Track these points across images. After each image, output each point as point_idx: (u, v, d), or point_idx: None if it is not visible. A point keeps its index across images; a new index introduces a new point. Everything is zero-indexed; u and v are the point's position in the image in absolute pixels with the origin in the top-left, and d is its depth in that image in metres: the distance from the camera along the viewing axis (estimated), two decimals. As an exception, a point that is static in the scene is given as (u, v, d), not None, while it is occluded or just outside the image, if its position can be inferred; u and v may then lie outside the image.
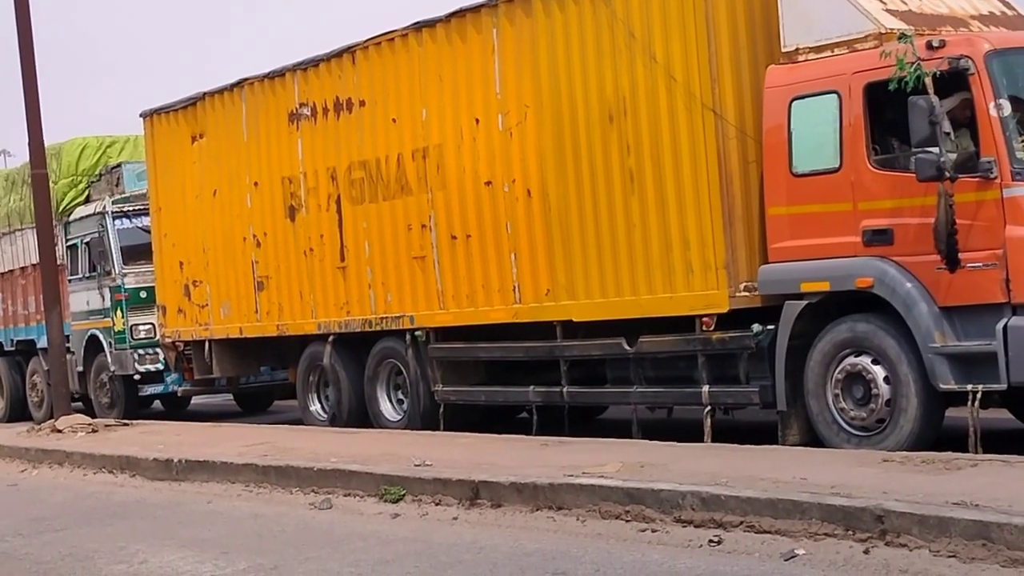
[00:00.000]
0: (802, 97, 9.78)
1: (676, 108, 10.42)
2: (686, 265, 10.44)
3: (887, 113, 9.34)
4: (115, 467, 12.94)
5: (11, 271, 20.41)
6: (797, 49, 9.94)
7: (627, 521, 8.04)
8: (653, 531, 7.79)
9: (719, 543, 7.34)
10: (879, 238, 9.33)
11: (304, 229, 14.13)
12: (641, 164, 10.72)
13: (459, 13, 12.21)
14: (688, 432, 10.49)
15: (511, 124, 11.77)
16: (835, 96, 9.57)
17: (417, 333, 12.88)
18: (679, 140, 10.42)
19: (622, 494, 8.17)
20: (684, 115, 10.36)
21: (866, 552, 6.78)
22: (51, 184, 17.72)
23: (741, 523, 7.46)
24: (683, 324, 10.55)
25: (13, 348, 20.54)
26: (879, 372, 9.36)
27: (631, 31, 10.68)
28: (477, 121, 12.09)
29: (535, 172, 11.60)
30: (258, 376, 17.07)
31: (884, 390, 9.34)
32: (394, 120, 12.96)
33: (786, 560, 6.87)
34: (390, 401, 13.61)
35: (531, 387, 12.02)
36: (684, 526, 7.72)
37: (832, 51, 9.75)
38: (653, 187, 10.64)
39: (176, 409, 19.66)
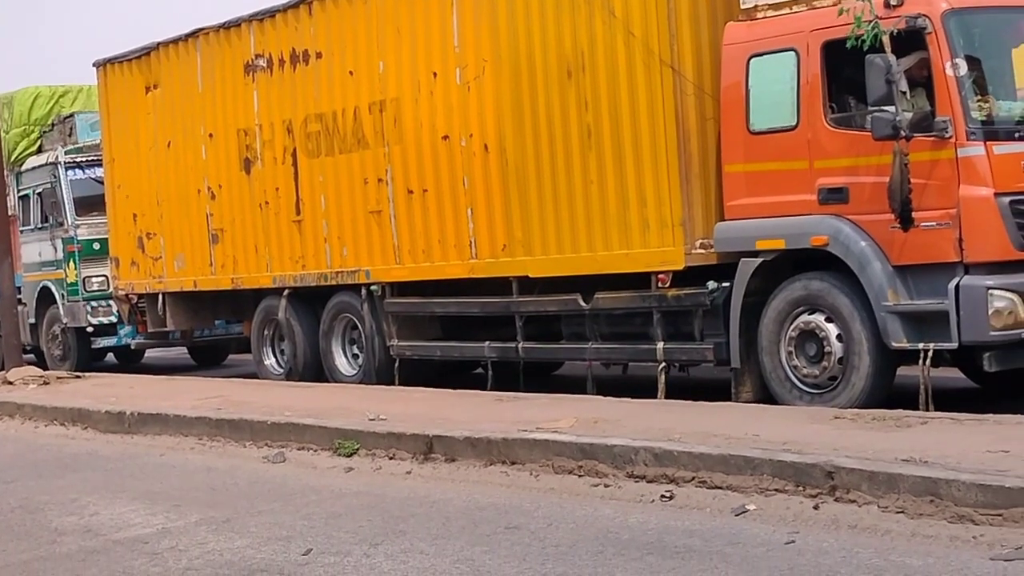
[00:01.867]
0: (760, 55, 9.77)
1: (634, 64, 10.39)
2: (643, 222, 10.44)
3: (844, 71, 9.34)
4: (67, 419, 12.85)
5: (-38, 221, 20.14)
6: (756, 6, 9.91)
7: (580, 476, 8.07)
8: (606, 486, 7.82)
9: (671, 498, 7.38)
10: (834, 196, 9.37)
11: (259, 182, 14.02)
12: (599, 120, 10.69)
13: (418, -35, 12.10)
14: (643, 389, 10.53)
15: (469, 78, 11.69)
16: (793, 54, 9.57)
17: (373, 288, 12.84)
18: (637, 97, 10.40)
19: (575, 449, 8.20)
20: (642, 72, 10.33)
21: (816, 508, 6.84)
22: (3, 134, 17.51)
23: (693, 479, 7.51)
24: (639, 281, 10.56)
25: (-36, 299, 20.31)
26: (832, 330, 9.42)
27: (590, -14, 10.62)
28: (435, 75, 12.00)
29: (493, 127, 11.55)
30: (213, 329, 16.95)
31: (837, 348, 9.40)
32: (351, 73, 12.86)
33: (737, 515, 6.92)
34: (345, 356, 13.57)
35: (487, 343, 12.02)
36: (636, 481, 7.76)
37: (791, 8, 9.73)
38: (611, 144, 10.62)
39: (129, 362, 19.53)
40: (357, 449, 9.58)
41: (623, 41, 10.43)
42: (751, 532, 6.55)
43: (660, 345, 10.46)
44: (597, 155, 10.73)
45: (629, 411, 9.49)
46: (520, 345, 11.65)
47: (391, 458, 9.29)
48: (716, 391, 10.13)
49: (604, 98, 10.63)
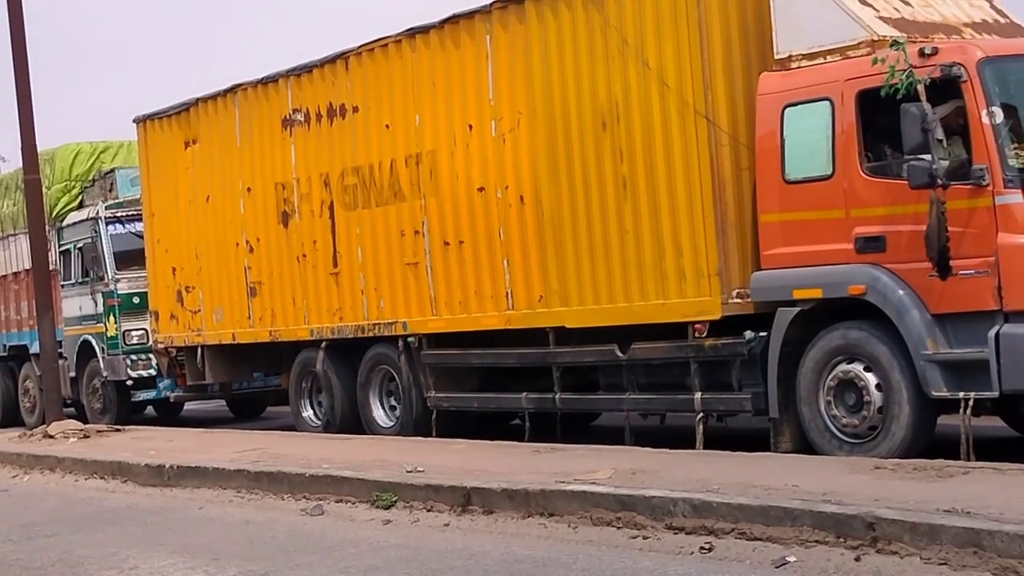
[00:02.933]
0: (795, 104, 9.78)
1: (669, 114, 10.43)
2: (679, 272, 10.44)
3: (880, 120, 9.34)
4: (107, 473, 12.91)
5: (4, 276, 20.36)
6: (790, 56, 9.94)
7: (618, 528, 8.03)
8: (644, 538, 7.78)
9: (710, 550, 7.33)
10: (871, 245, 9.33)
11: (297, 235, 14.11)
12: (634, 170, 10.72)
13: (453, 19, 12.21)
14: (680, 439, 10.48)
15: (504, 130, 11.76)
16: (827, 103, 9.57)
17: (410, 339, 12.87)
18: (672, 147, 10.43)
19: (613, 501, 8.16)
20: (677, 122, 10.37)
21: (857, 559, 6.77)
22: (44, 189, 17.69)
23: (732, 530, 7.45)
24: (676, 331, 10.54)
25: (5, 353, 20.49)
26: (871, 379, 9.36)
27: (624, 37, 10.69)
28: (470, 127, 12.08)
29: (528, 178, 11.60)
30: (251, 382, 17.03)
31: (876, 397, 9.34)
32: (387, 126, 12.96)
33: (777, 567, 6.86)
34: (383, 407, 13.59)
35: (524, 394, 12.02)
36: (675, 533, 7.71)
37: (825, 58, 9.76)
38: (646, 194, 10.65)
39: (169, 415, 19.61)
40: (395, 501, 9.58)
41: (657, 92, 10.47)
42: (792, 584, 6.50)
43: (698, 395, 10.42)
44: (633, 205, 10.75)
45: (667, 462, 9.44)
46: (557, 396, 11.63)
47: (429, 510, 9.27)
48: (754, 441, 10.07)
49: (639, 148, 10.67)
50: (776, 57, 10.02)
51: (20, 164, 17.85)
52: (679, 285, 10.46)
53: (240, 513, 10.25)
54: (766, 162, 9.96)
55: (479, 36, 11.96)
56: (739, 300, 10.12)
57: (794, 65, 9.91)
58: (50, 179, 18.32)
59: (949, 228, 8.76)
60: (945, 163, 8.78)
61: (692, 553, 7.35)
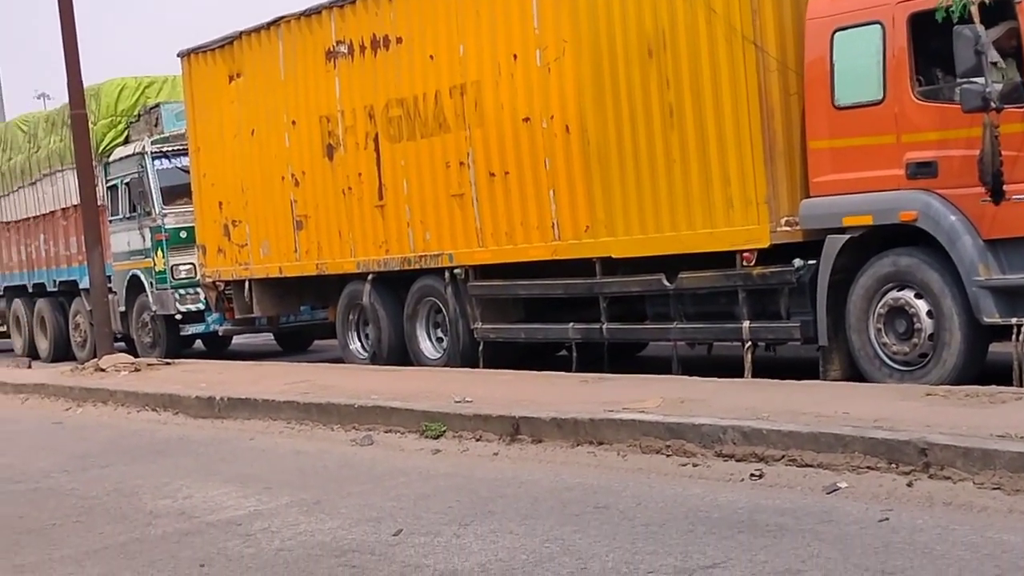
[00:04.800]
0: (845, 28, 9.64)
1: (716, 41, 10.30)
2: (726, 200, 10.36)
3: (931, 43, 9.19)
4: (158, 405, 13.06)
5: (52, 212, 20.52)
6: (840, -21, 9.78)
7: (668, 456, 8.04)
8: (694, 465, 7.79)
9: (760, 477, 7.33)
10: (923, 171, 9.22)
11: (342, 168, 14.11)
12: (681, 99, 10.62)
13: (497, -53, 12.09)
14: (728, 368, 10.46)
15: (549, 59, 11.67)
16: (878, 27, 9.42)
17: (456, 271, 12.88)
18: (719, 74, 10.31)
19: (663, 429, 8.17)
20: (724, 48, 10.24)
21: (909, 485, 6.75)
22: (90, 125, 17.74)
23: (783, 457, 7.45)
24: (723, 260, 10.49)
25: (56, 289, 20.70)
26: (922, 306, 9.29)
27: (670, -37, 10.54)
28: (515, 57, 12.00)
29: (573, 108, 11.51)
30: (298, 315, 17.11)
31: (927, 324, 9.27)
32: (432, 57, 12.89)
33: (828, 493, 6.85)
34: (429, 339, 13.64)
35: (570, 324, 12.02)
36: (725, 460, 7.72)
37: (876, -19, 9.58)
38: (693, 122, 10.55)
39: (217, 348, 19.78)
40: (444, 431, 9.63)
41: (704, 18, 10.34)
42: (843, 510, 6.49)
43: (746, 324, 10.38)
44: (679, 134, 10.66)
45: (715, 390, 9.43)
46: (604, 326, 11.62)
47: (478, 440, 9.32)
48: (803, 370, 10.03)
49: (686, 76, 10.56)
50: (825, -20, 9.85)
51: (65, 101, 17.92)
52: (727, 214, 10.39)
53: (290, 444, 10.34)
54: (815, 88, 9.83)
55: (523, -36, 11.83)
56: (788, 228, 10.05)
57: (844, -12, 9.74)
58: (96, 115, 18.35)
59: (1002, 152, 8.64)
60: (999, 86, 8.65)
61: (742, 480, 7.35)
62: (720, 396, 9.07)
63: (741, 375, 10.28)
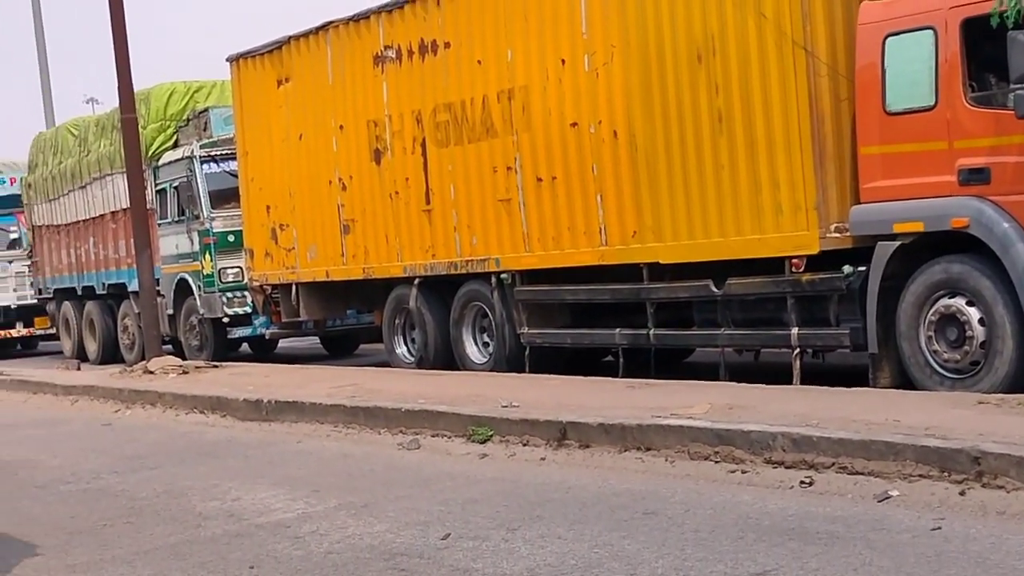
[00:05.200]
0: (896, 33, 9.57)
1: (766, 46, 10.26)
2: (776, 206, 10.31)
3: (985, 49, 9.10)
4: (206, 407, 13.14)
5: (102, 216, 20.72)
6: (892, -16, 9.71)
7: (716, 462, 8.01)
8: (743, 472, 7.75)
9: (811, 484, 7.28)
10: (975, 177, 9.13)
11: (389, 172, 14.15)
12: (730, 104, 10.58)
13: (545, -48, 12.09)
14: (775, 375, 10.40)
15: (597, 64, 11.66)
16: (931, 32, 9.35)
17: (503, 276, 12.89)
18: (769, 79, 10.27)
19: (711, 435, 8.13)
20: (774, 53, 10.20)
21: (962, 494, 6.69)
22: (140, 129, 17.89)
23: (833, 464, 7.39)
24: (772, 266, 10.44)
25: (105, 291, 20.89)
26: (974, 314, 9.20)
27: (720, -32, 10.51)
28: (563, 62, 11.99)
29: (621, 113, 11.50)
30: (344, 319, 17.19)
31: (979, 332, 9.18)
32: (479, 62, 12.91)
33: (880, 501, 6.80)
34: (476, 343, 13.65)
35: (617, 329, 11.99)
36: (774, 467, 7.67)
37: (928, -14, 9.51)
38: (742, 127, 10.51)
39: (263, 352, 19.90)
40: (491, 435, 9.63)
41: (754, 23, 10.30)
42: (895, 518, 6.43)
43: (794, 331, 10.32)
44: (728, 139, 10.62)
45: (764, 397, 9.38)
46: (651, 332, 11.59)
47: (525, 444, 9.32)
48: (852, 377, 9.96)
49: (735, 81, 10.52)
50: (877, -15, 9.79)
51: (114, 105, 18.08)
52: (775, 219, 10.34)
53: (337, 447, 10.38)
54: (866, 93, 9.77)
55: (572, -31, 11.83)
56: (837, 234, 9.98)
57: (896, -7, 9.68)
58: (145, 119, 18.52)
59: (1057, 159, 8.54)
60: (1054, 92, 8.54)
61: (792, 487, 7.31)
62: (769, 402, 9.02)
63: (789, 382, 10.22)
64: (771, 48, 10.22)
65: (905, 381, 9.63)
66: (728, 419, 8.40)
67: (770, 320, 10.66)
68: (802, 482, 7.33)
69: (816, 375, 10.31)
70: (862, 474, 7.22)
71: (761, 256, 10.47)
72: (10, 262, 24.97)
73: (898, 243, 9.57)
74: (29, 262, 23.96)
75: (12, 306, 24.94)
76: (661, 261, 11.33)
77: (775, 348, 10.98)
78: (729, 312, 11.00)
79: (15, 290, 24.90)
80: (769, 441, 7.77)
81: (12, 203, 24.76)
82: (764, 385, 9.96)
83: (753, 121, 10.42)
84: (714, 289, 10.91)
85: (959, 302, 9.28)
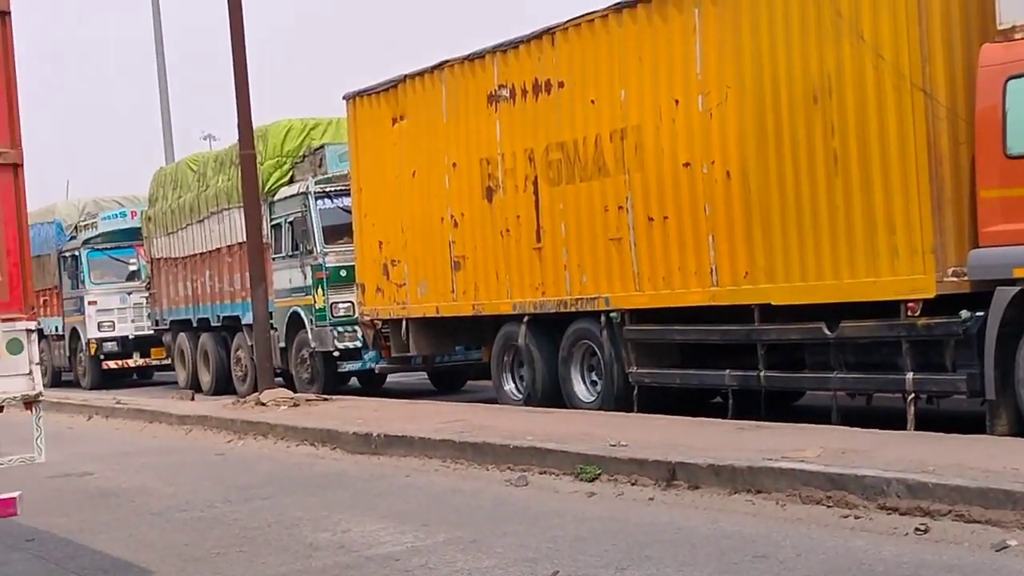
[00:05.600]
0: (1018, 76, 9.42)
1: (884, 88, 10.17)
2: (891, 249, 10.19)
3: (1110, 92, 8.93)
4: (316, 440, 13.31)
5: (218, 249, 21.10)
6: (1014, 27, 9.57)
7: (828, 507, 7.92)
8: (856, 518, 7.64)
9: (926, 531, 7.16)
10: (1099, 222, 8.94)
11: (501, 210, 14.26)
12: (846, 145, 10.50)
13: (661, -7, 12.14)
14: (888, 420, 10.25)
15: (711, 105, 11.65)
16: (1054, 75, 9.20)
17: (612, 315, 12.89)
18: (886, 121, 10.17)
19: (824, 479, 8.04)
20: (892, 95, 10.11)
21: (1084, 546, 6.53)
22: (257, 165, 18.23)
23: (949, 512, 7.27)
24: (885, 309, 10.30)
25: (219, 324, 21.27)
26: (1096, 362, 8.99)
27: (838, 10, 10.46)
28: (677, 102, 12.01)
29: (735, 153, 11.47)
30: (453, 355, 17.29)
31: (1101, 381, 8.96)
32: (593, 101, 12.97)
33: (998, 551, 6.66)
34: (584, 382, 13.65)
35: (727, 371, 11.91)
36: (888, 513, 7.56)
37: (1051, 28, 9.37)
38: (858, 169, 10.42)
39: (372, 386, 20.06)
40: (599, 474, 9.62)
41: (872, 64, 10.23)
42: (1014, 568, 6.30)
43: (909, 376, 10.16)
44: (844, 181, 10.54)
45: (878, 442, 9.25)
46: (762, 374, 11.49)
47: (633, 484, 9.29)
48: (967, 424, 9.77)
49: (851, 123, 10.44)
50: (998, 28, 9.66)
51: (233, 142, 18.45)
52: (891, 262, 10.21)
53: (446, 482, 10.44)
54: (987, 136, 9.63)
55: (687, 10, 11.85)
56: (955, 278, 9.83)
57: (1018, 36, 9.54)
58: (263, 155, 18.84)
59: None
60: None
61: (907, 534, 7.19)
62: (882, 448, 8.89)
63: (902, 427, 10.06)
64: (889, 90, 10.13)
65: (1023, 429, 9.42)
66: (841, 463, 8.30)
67: (884, 364, 10.51)
68: (917, 529, 7.21)
69: (930, 421, 10.13)
70: (979, 523, 7.09)
71: (876, 299, 10.34)
72: (129, 293, 25.56)
73: (1018, 288, 9.39)
74: (147, 294, 24.49)
75: (130, 336, 25.51)
76: (773, 302, 11.25)
77: (888, 393, 10.82)
78: (842, 355, 10.87)
79: (133, 321, 25.48)
80: (883, 487, 7.66)
81: (132, 236, 25.38)
82: (877, 430, 9.83)
83: (869, 163, 10.32)
84: (827, 332, 10.79)
85: (1081, 350, 9.07)
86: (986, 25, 9.79)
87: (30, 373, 6.16)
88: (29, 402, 6.19)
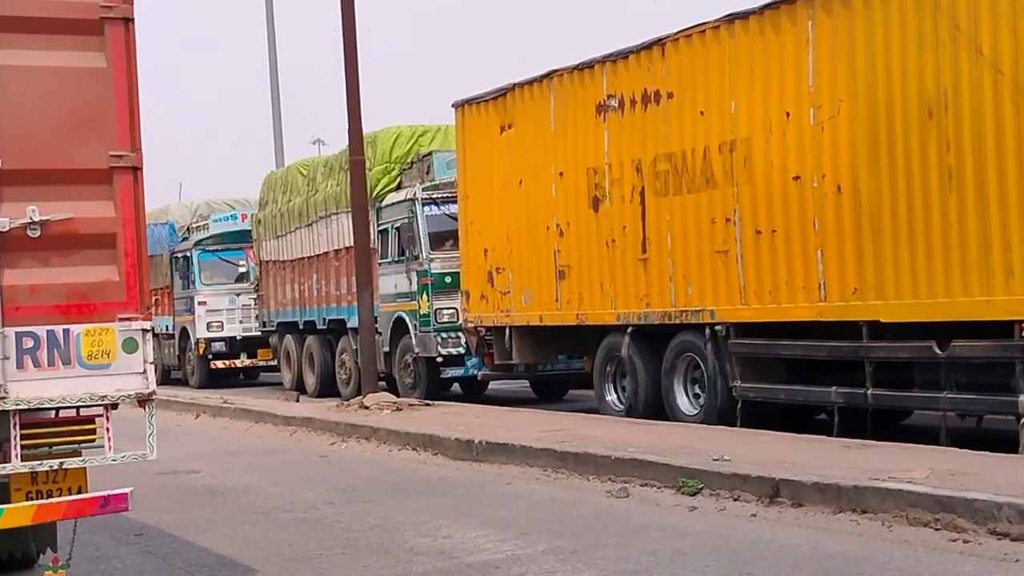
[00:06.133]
0: None
1: (1002, 103, 9.97)
2: (1006, 267, 9.98)
3: None
4: (418, 445, 13.39)
5: (325, 253, 21.34)
6: None
7: (936, 529, 7.76)
8: (965, 542, 7.49)
9: (1037, 559, 7.00)
10: None
11: (607, 220, 14.23)
12: (961, 161, 10.31)
13: (773, 5, 12.03)
14: (999, 442, 10.03)
15: (823, 118, 11.52)
16: None
17: (717, 328, 12.79)
18: (1004, 137, 9.97)
19: (932, 501, 7.89)
20: (1011, 111, 9.90)
21: None
22: (366, 170, 18.41)
23: (1062, 539, 7.09)
24: (998, 329, 10.09)
25: (325, 327, 21.51)
26: None
27: (956, 23, 10.28)
28: (788, 114, 11.89)
29: (846, 167, 11.32)
30: (555, 364, 17.30)
31: None
32: (702, 112, 12.90)
33: (1113, 582, 6.49)
34: (686, 395, 13.57)
35: (833, 388, 11.76)
36: (999, 539, 7.40)
37: None
38: (973, 185, 10.22)
39: (474, 392, 20.15)
40: (701, 488, 9.55)
41: (990, 79, 10.03)
42: None
43: (1022, 398, 9.94)
44: (958, 197, 10.34)
45: (988, 464, 9.06)
46: (869, 391, 11.32)
47: (736, 499, 9.21)
48: (1083, 449, 9.54)
49: (967, 138, 10.25)
50: (1123, 43, 9.43)
51: (342, 147, 18.64)
52: (1006, 281, 10.00)
53: (546, 491, 10.43)
54: (1108, 154, 9.39)
55: (800, 21, 11.73)
56: (1072, 299, 9.60)
57: None
58: (371, 161, 19.02)
59: None
60: None
61: (1018, 560, 7.02)
62: (993, 471, 8.70)
63: (1014, 450, 9.84)
64: (1007, 105, 9.93)
65: None
66: (950, 486, 8.14)
67: (996, 385, 10.29)
68: (1028, 556, 7.05)
69: (1043, 445, 9.90)
70: (1094, 551, 6.90)
71: (989, 319, 10.13)
72: (237, 295, 25.99)
73: None
74: (255, 295, 24.87)
75: (237, 337, 25.94)
76: (882, 320, 11.07)
77: (1000, 415, 10.59)
78: (952, 375, 10.66)
79: (241, 322, 25.89)
80: (994, 511, 7.50)
81: (242, 238, 25.81)
82: (988, 452, 9.63)
83: (985, 179, 10.12)
84: (937, 351, 10.60)
85: None
86: (1110, 40, 9.55)
87: (144, 372, 6.28)
88: (143, 400, 6.32)
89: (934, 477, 8.52)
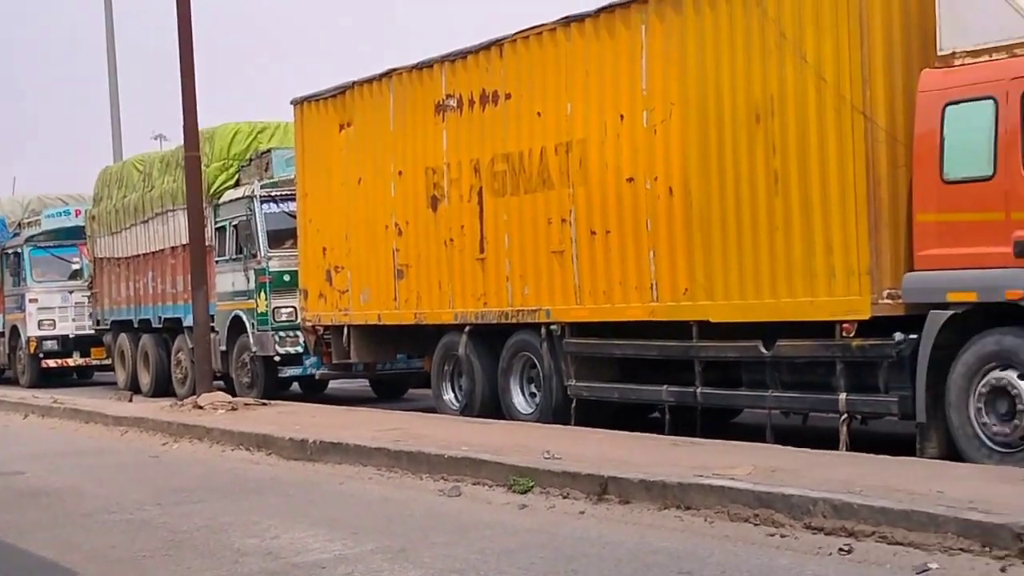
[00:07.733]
0: (957, 102, 9.53)
1: (825, 110, 10.26)
2: (828, 269, 10.28)
3: (1045, 121, 9.05)
4: (252, 444, 13.23)
5: (161, 250, 20.95)
6: (953, 53, 9.69)
7: (755, 524, 7.94)
8: (782, 536, 7.68)
9: (849, 552, 7.20)
10: (1031, 249, 9.05)
11: (445, 219, 14.25)
12: (787, 165, 10.58)
13: (609, 9, 12.19)
14: (822, 440, 10.32)
15: (656, 121, 11.71)
16: (991, 102, 9.31)
17: (552, 327, 12.91)
18: (826, 142, 10.26)
19: (752, 497, 8.08)
20: (833, 117, 10.20)
21: (1003, 570, 6.59)
22: (203, 167, 18.12)
23: (873, 533, 7.31)
24: (822, 329, 10.38)
25: (160, 325, 21.10)
26: (1025, 388, 9.09)
27: (782, 31, 10.55)
28: (622, 117, 12.05)
29: (678, 170, 11.53)
30: (394, 363, 17.25)
31: (1029, 406, 9.06)
32: (539, 114, 13.00)
33: (918, 573, 6.71)
34: (523, 394, 13.66)
35: (664, 386, 11.96)
36: (814, 533, 7.60)
37: (990, 56, 9.48)
38: (798, 189, 10.50)
39: (313, 392, 19.99)
40: (532, 486, 9.62)
41: (814, 86, 10.31)
42: (933, 591, 6.36)
43: (843, 396, 10.25)
44: (784, 201, 10.61)
45: (808, 461, 9.31)
46: (699, 390, 11.54)
47: (565, 497, 9.29)
48: (898, 445, 9.86)
49: (793, 143, 10.52)
50: (939, 54, 9.77)
51: (180, 143, 18.33)
52: (828, 283, 10.30)
53: (379, 490, 10.40)
54: (924, 160, 9.73)
55: (635, 26, 11.91)
56: (889, 301, 9.92)
57: (957, 62, 9.66)
58: (209, 157, 18.76)
59: (1115, 234, 8.45)
60: (1113, 167, 8.47)
61: (831, 554, 7.23)
62: (813, 467, 8.95)
63: (836, 447, 10.13)
64: (830, 112, 10.22)
65: (953, 452, 9.51)
66: (770, 482, 8.34)
67: (819, 384, 10.59)
68: (841, 549, 7.25)
69: (864, 442, 10.21)
70: (902, 544, 7.14)
71: (812, 319, 10.42)
72: (70, 292, 25.33)
73: (951, 312, 9.49)
74: (89, 293, 24.28)
75: (70, 335, 25.26)
76: (711, 320, 11.30)
77: (823, 413, 10.90)
78: (778, 374, 10.94)
79: (74, 320, 25.23)
80: (810, 506, 7.70)
81: (76, 235, 25.17)
82: (810, 449, 9.89)
83: (809, 184, 10.41)
84: (763, 350, 10.86)
85: (1011, 375, 9.17)
86: (927, 50, 9.89)
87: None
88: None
89: (756, 474, 8.72)
